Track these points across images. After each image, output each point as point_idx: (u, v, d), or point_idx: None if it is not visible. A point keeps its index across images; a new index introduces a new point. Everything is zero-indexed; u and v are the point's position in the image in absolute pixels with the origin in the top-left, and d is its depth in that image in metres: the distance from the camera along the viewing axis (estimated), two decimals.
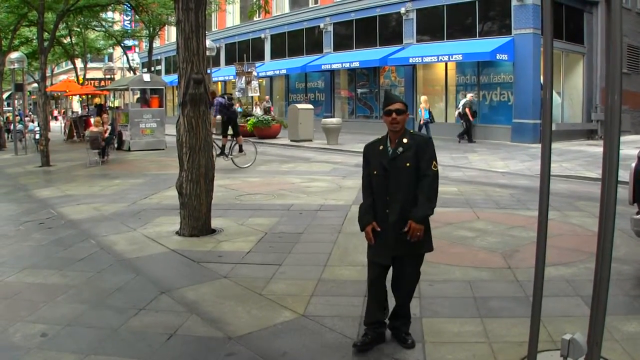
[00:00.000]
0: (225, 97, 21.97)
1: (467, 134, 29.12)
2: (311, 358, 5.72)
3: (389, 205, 5.77)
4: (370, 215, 5.88)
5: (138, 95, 31.52)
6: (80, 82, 46.74)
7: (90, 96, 44.52)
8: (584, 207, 12.76)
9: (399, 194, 5.72)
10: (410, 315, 6.05)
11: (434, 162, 5.72)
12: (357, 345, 5.81)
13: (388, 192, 5.77)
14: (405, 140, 5.76)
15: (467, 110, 28.96)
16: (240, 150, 21.10)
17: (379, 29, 36.50)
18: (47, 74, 32.95)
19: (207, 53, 12.46)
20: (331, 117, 35.39)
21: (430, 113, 30.30)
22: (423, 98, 31.05)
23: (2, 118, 33.12)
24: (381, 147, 5.88)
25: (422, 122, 29.41)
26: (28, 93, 51.03)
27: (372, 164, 5.93)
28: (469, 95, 29.71)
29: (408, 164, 5.68)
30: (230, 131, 21.47)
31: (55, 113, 62.70)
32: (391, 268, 5.98)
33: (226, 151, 20.74)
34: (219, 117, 21.61)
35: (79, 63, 50.38)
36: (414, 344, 5.82)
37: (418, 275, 6.06)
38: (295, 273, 8.31)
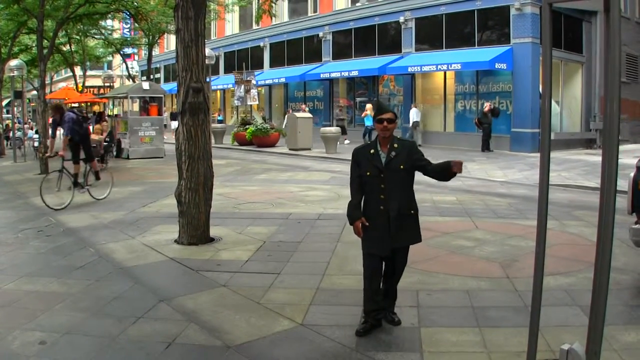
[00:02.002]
0: (76, 111, 18.42)
1: (483, 143, 29.11)
2: None
3: (385, 203, 6.33)
4: (359, 211, 6.45)
5: (137, 103, 31.52)
6: (80, 89, 46.83)
7: (89, 104, 44.56)
8: (583, 217, 12.77)
9: (395, 193, 6.33)
10: (396, 293, 6.75)
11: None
12: (360, 332, 6.39)
13: (384, 192, 6.33)
14: (395, 145, 6.38)
15: (476, 120, 28.96)
16: (97, 177, 16.28)
17: (378, 38, 36.56)
18: (47, 82, 32.93)
19: (207, 61, 12.47)
20: (330, 125, 35.42)
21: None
22: (368, 106, 32.71)
23: (1, 125, 33.11)
24: (372, 151, 6.43)
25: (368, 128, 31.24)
26: (27, 100, 50.96)
27: (362, 166, 6.46)
28: (487, 105, 29.60)
29: (402, 167, 6.33)
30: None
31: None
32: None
33: (80, 180, 15.77)
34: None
35: (78, 71, 50.51)
36: (400, 321, 6.61)
37: (405, 263, 6.69)
38: (294, 282, 8.31)
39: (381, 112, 6.40)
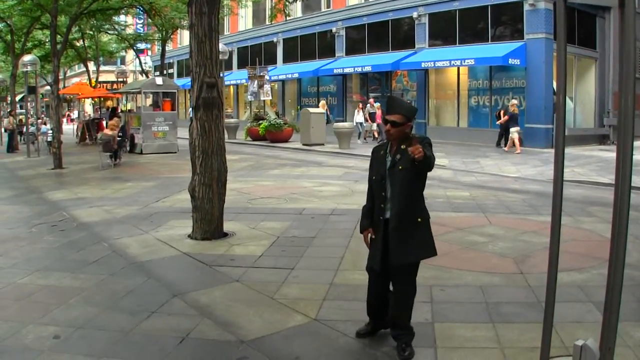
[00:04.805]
0: None
1: (499, 138, 28.92)
2: None
3: (384, 212, 5.73)
4: (369, 220, 5.92)
5: (150, 98, 31.56)
6: (93, 85, 46.90)
7: (102, 99, 44.68)
8: (596, 213, 12.71)
9: (397, 201, 5.61)
10: (409, 327, 5.84)
11: (428, 148, 5.41)
12: (359, 333, 6.15)
13: (384, 199, 5.72)
14: (403, 147, 5.62)
15: (501, 113, 28.61)
16: None
17: (391, 33, 36.50)
18: (60, 77, 33.04)
19: (220, 57, 12.48)
20: (343, 121, 35.42)
21: (327, 115, 32.61)
22: (321, 102, 34.05)
23: (15, 120, 33.26)
24: (382, 153, 5.85)
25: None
26: (41, 96, 51.12)
27: (373, 169, 5.91)
28: (513, 101, 29.37)
29: (401, 167, 5.58)
30: None
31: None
32: None
33: None
34: None
35: (91, 66, 50.58)
36: (411, 356, 5.66)
37: (410, 289, 5.84)
38: (308, 277, 8.32)
39: (387, 111, 5.77)
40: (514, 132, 26.82)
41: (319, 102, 41.18)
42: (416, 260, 5.76)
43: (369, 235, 5.91)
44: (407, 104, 5.95)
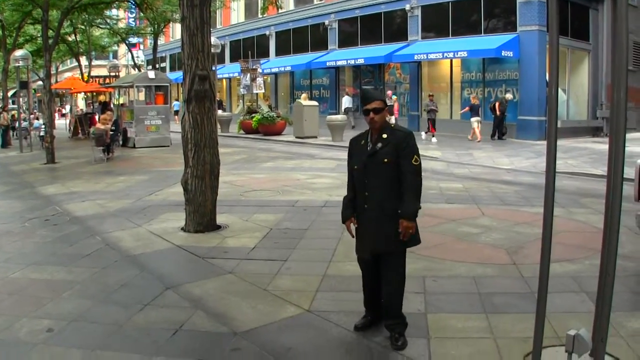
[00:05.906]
0: None
1: (493, 130, 28.91)
2: (316, 353, 5.74)
3: (367, 201, 5.81)
4: (350, 209, 6.04)
5: (143, 92, 31.50)
6: (85, 79, 46.75)
7: (95, 94, 44.55)
8: (589, 204, 12.75)
9: (377, 190, 5.74)
10: (402, 316, 5.90)
11: (415, 157, 5.65)
12: (357, 326, 6.10)
13: (367, 188, 5.80)
14: (384, 136, 5.74)
15: (496, 105, 28.62)
16: None
17: (384, 26, 36.46)
18: (52, 72, 32.96)
19: (212, 50, 12.46)
20: (336, 114, 35.40)
21: None
22: (303, 95, 34.78)
23: (7, 115, 33.17)
24: (363, 142, 5.92)
25: None
26: (33, 91, 50.98)
27: (353, 159, 6.00)
28: (508, 95, 29.41)
29: (386, 160, 5.66)
30: None
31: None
32: None
33: None
34: None
35: (83, 61, 50.42)
36: (404, 345, 5.69)
37: (399, 276, 5.89)
38: (301, 269, 8.32)
39: (365, 101, 5.83)
40: (474, 122, 28.10)
41: (311, 94, 41.21)
42: (394, 250, 5.78)
43: (352, 224, 6.03)
44: (380, 92, 6.15)
